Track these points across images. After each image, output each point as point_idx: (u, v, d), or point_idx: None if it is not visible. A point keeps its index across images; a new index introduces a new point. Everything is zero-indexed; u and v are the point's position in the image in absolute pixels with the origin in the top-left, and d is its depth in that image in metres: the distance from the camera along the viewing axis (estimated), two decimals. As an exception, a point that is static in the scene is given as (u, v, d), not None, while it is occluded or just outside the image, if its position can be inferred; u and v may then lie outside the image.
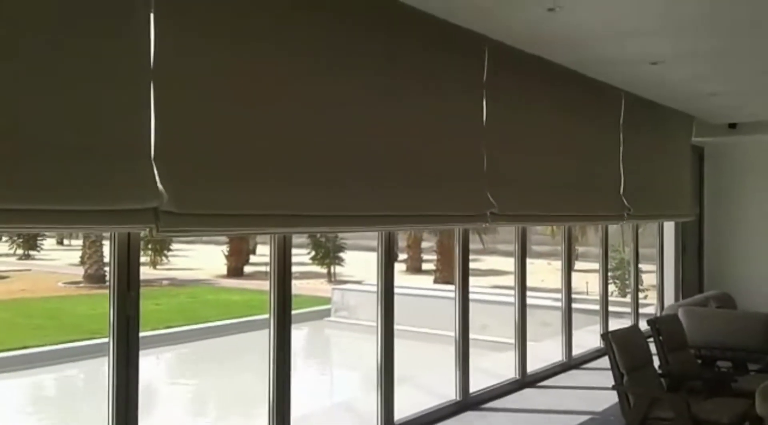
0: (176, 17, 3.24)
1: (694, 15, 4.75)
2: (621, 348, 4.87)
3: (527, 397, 6.14)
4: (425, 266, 24.42)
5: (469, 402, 5.66)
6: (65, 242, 26.45)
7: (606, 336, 5.01)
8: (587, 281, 13.00)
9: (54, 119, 2.79)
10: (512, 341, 6.48)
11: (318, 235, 22.52)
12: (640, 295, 9.38)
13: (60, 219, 2.83)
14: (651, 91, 7.52)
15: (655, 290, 9.70)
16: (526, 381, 6.42)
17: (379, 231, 4.84)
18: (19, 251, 24.66)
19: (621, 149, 7.45)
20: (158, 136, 3.13)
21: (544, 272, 14.47)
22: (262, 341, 4.21)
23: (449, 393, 5.64)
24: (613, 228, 15.73)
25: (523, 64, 5.69)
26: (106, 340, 3.37)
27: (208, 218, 3.37)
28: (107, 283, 3.42)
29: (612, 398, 4.91)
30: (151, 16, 3.14)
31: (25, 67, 2.72)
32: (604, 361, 5.09)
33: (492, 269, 21.06)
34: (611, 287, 12.50)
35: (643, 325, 6.31)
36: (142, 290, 3.42)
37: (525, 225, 6.41)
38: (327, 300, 16.04)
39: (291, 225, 3.88)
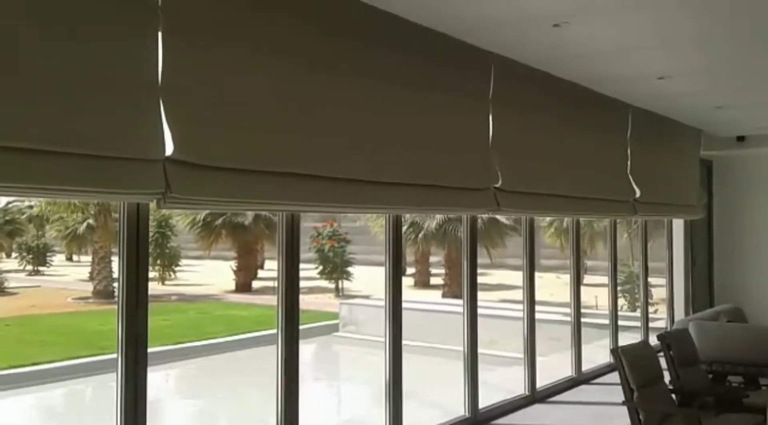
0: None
1: (700, 30, 4.76)
2: (631, 364, 4.83)
3: (537, 413, 6.10)
4: (433, 281, 24.37)
5: (478, 418, 5.62)
6: (74, 258, 26.55)
7: (616, 351, 4.98)
8: (596, 295, 12.93)
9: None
10: (521, 356, 6.45)
11: (326, 250, 22.54)
12: (650, 309, 9.33)
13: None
14: (658, 105, 7.52)
15: (665, 304, 9.64)
16: (535, 396, 6.38)
17: (387, 214, 4.90)
18: (29, 268, 24.77)
19: (629, 162, 7.45)
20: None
21: (553, 286, 14.41)
22: (271, 356, 4.21)
23: (458, 409, 5.61)
24: (622, 242, 15.68)
25: (529, 79, 5.71)
26: (114, 356, 3.38)
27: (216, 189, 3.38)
28: (116, 299, 3.44)
29: (623, 414, 4.87)
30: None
31: (34, 81, 2.73)
32: (615, 376, 5.06)
33: (500, 284, 21.00)
34: (621, 301, 12.43)
35: (653, 340, 6.27)
36: (150, 305, 3.43)
37: (532, 215, 6.46)
38: (335, 315, 16.02)
39: (301, 200, 3.86)
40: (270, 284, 18.39)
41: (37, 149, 2.70)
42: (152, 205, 3.29)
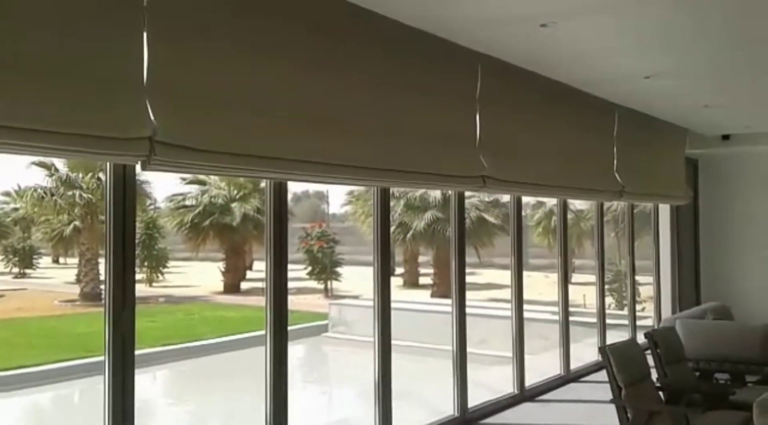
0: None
1: (686, 30, 4.79)
2: (618, 362, 4.85)
3: (526, 412, 6.12)
4: (422, 281, 24.38)
5: (467, 417, 5.64)
6: (61, 260, 26.35)
7: (603, 349, 4.99)
8: (584, 293, 12.99)
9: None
10: (510, 355, 6.47)
11: (315, 250, 22.49)
12: (638, 307, 9.38)
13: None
14: (645, 104, 7.57)
15: (652, 302, 9.69)
16: (524, 395, 6.40)
17: (374, 186, 4.94)
18: (15, 270, 24.57)
19: (615, 161, 7.50)
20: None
21: (542, 285, 14.44)
22: (259, 358, 4.20)
23: (447, 408, 5.62)
24: (609, 241, 15.72)
25: (516, 79, 5.73)
26: (101, 358, 3.36)
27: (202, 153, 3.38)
28: (103, 301, 3.42)
29: (611, 412, 4.89)
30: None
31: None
32: (603, 374, 5.08)
33: (489, 283, 21.04)
34: (608, 300, 12.49)
35: (641, 338, 6.30)
36: (137, 307, 3.42)
37: (519, 194, 6.52)
38: (324, 316, 15.99)
39: (286, 169, 3.87)
40: (258, 285, 18.34)
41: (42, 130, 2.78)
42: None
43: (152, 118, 3.12)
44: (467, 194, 6.07)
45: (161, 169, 3.24)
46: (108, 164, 3.35)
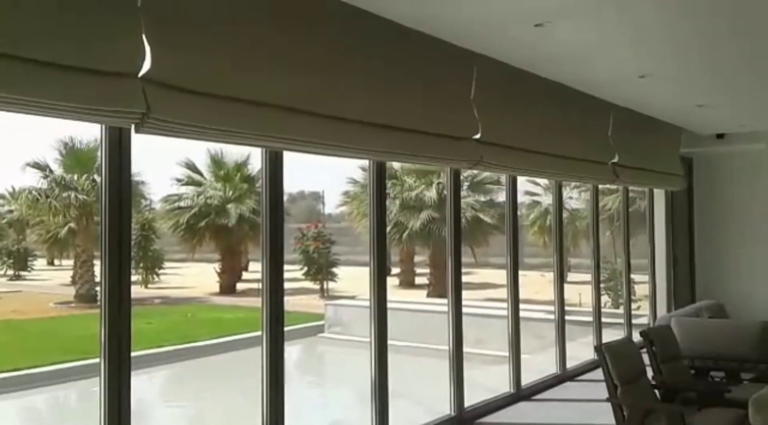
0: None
1: (681, 30, 4.81)
2: (614, 360, 4.86)
3: (522, 411, 6.13)
4: (418, 280, 24.38)
5: (463, 417, 5.64)
6: (56, 262, 26.28)
7: (599, 348, 5.00)
8: (580, 292, 13.01)
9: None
10: (506, 354, 6.48)
11: (311, 251, 22.48)
12: (633, 306, 9.39)
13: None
14: (640, 103, 7.59)
15: (648, 301, 9.72)
16: (520, 394, 6.42)
17: (371, 159, 4.97)
18: (10, 272, 24.50)
19: (612, 160, 7.52)
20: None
21: (538, 284, 14.47)
22: (256, 358, 4.19)
23: (444, 408, 5.62)
24: (605, 240, 15.77)
25: (510, 78, 5.74)
26: (97, 360, 3.35)
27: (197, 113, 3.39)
28: (98, 302, 3.41)
29: (607, 410, 4.90)
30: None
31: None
32: (598, 373, 5.09)
33: (485, 283, 21.06)
34: (604, 299, 12.52)
35: (637, 336, 6.32)
36: (133, 309, 3.41)
37: (513, 174, 6.53)
38: (320, 316, 15.97)
39: (282, 133, 3.86)
40: (254, 286, 18.30)
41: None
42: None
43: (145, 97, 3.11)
44: (462, 194, 6.09)
45: (154, 132, 3.19)
46: (103, 167, 3.35)
